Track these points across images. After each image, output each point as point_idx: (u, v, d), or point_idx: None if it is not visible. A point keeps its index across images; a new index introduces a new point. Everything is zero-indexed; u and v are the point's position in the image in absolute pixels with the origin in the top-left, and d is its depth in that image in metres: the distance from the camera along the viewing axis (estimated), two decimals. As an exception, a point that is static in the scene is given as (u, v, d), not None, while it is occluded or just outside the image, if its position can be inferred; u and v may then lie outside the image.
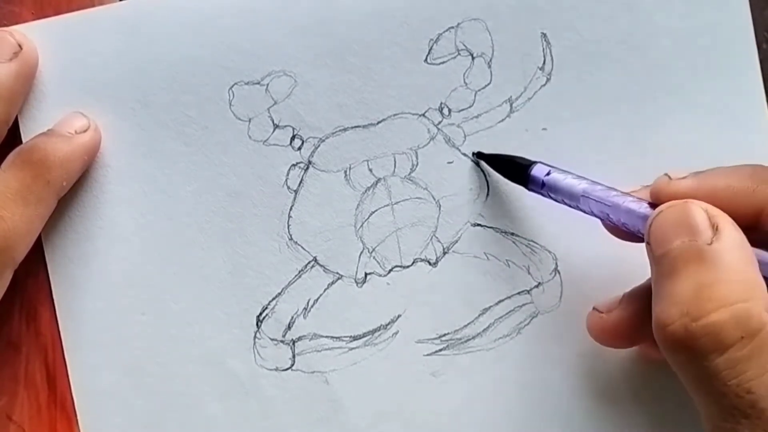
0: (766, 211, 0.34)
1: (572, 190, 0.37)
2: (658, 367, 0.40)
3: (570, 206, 0.37)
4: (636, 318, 0.36)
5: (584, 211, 0.37)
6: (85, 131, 0.40)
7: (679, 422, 0.41)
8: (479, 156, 0.41)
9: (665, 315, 0.31)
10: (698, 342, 0.30)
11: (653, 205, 0.34)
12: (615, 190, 0.36)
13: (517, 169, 0.39)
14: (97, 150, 0.41)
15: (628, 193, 0.36)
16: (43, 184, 0.38)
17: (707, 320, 0.30)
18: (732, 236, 0.32)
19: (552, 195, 0.38)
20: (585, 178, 0.37)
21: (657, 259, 0.32)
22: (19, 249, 0.38)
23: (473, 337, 0.41)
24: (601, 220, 0.37)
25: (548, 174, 0.38)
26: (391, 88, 0.41)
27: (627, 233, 0.36)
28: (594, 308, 0.38)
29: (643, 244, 0.34)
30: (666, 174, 0.36)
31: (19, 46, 0.39)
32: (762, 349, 0.30)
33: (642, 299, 0.37)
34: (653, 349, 0.37)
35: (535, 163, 0.39)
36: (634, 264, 0.38)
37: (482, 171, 0.41)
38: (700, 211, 0.32)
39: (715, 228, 0.32)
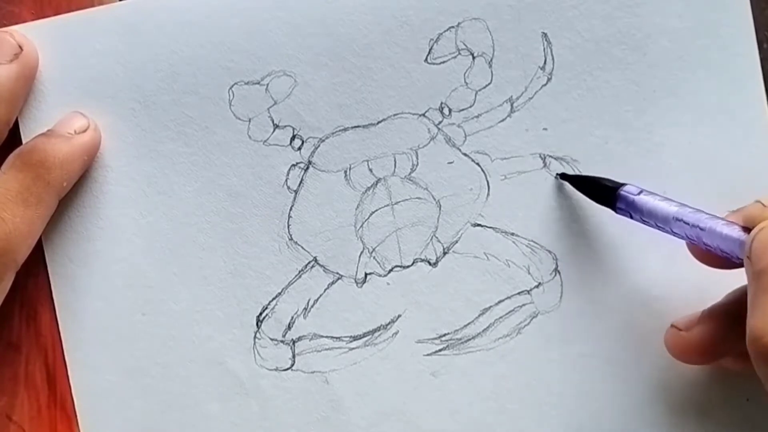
0: None
1: (664, 213, 0.37)
2: (658, 368, 0.40)
3: (659, 229, 0.37)
4: (717, 334, 0.37)
5: (674, 234, 0.37)
6: (84, 131, 0.40)
7: (679, 422, 0.41)
8: (563, 177, 0.41)
9: (761, 327, 0.31)
10: None
11: (746, 229, 0.35)
12: (704, 212, 0.36)
13: (604, 191, 0.39)
14: (97, 150, 0.41)
15: (719, 217, 0.36)
16: (44, 185, 0.38)
17: None
18: None
19: (640, 217, 0.37)
20: (672, 200, 0.37)
21: (756, 274, 0.33)
22: (21, 250, 0.38)
23: (473, 337, 0.41)
24: (690, 243, 0.37)
25: (639, 194, 0.38)
26: (391, 88, 0.41)
27: (715, 258, 0.36)
28: (672, 325, 0.39)
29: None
30: (758, 201, 0.36)
31: (20, 47, 0.39)
32: None
33: (723, 316, 0.37)
34: (732, 362, 0.38)
35: (623, 184, 0.38)
36: (634, 264, 0.38)
37: (482, 171, 0.41)
38: None
39: None
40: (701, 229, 0.36)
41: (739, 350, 0.36)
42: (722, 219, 0.36)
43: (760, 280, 0.33)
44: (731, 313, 0.37)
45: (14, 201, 0.37)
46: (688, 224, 0.36)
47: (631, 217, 0.38)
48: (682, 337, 0.38)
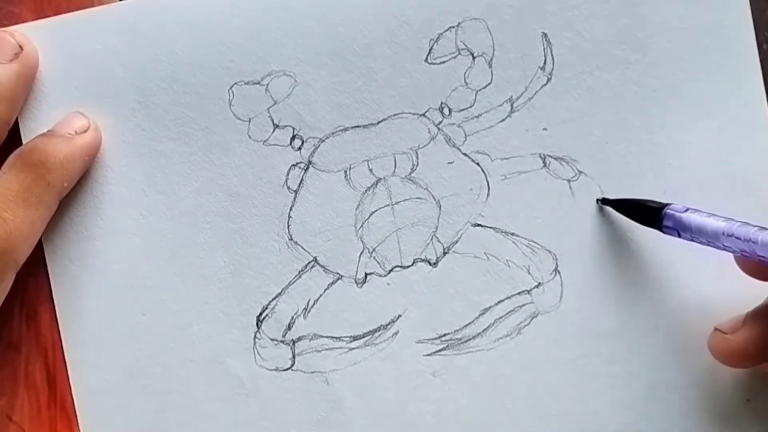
0: None
1: (714, 229, 0.36)
2: (658, 368, 0.40)
3: (708, 245, 0.37)
4: (763, 338, 0.37)
5: (724, 249, 0.36)
6: (85, 131, 0.40)
7: (679, 422, 0.41)
8: (605, 202, 0.41)
9: None
10: None
11: None
12: (750, 225, 0.36)
13: (649, 212, 0.39)
14: (98, 150, 0.41)
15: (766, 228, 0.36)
16: (44, 185, 0.38)
17: None
18: None
19: (689, 235, 0.37)
20: (718, 215, 0.37)
21: None
22: (21, 251, 0.38)
23: (473, 337, 0.41)
24: (741, 257, 0.37)
25: (685, 212, 0.37)
26: (391, 88, 0.41)
27: (762, 269, 0.36)
28: (716, 329, 0.38)
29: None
30: None
31: (20, 47, 0.39)
32: None
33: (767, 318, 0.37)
34: None
35: (668, 204, 0.38)
36: (635, 264, 0.38)
37: (482, 171, 0.41)
38: None
39: None
40: (753, 242, 0.35)
41: None
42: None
43: None
44: None
45: (15, 201, 0.37)
46: (740, 239, 0.36)
47: (679, 236, 0.38)
48: (727, 340, 0.38)
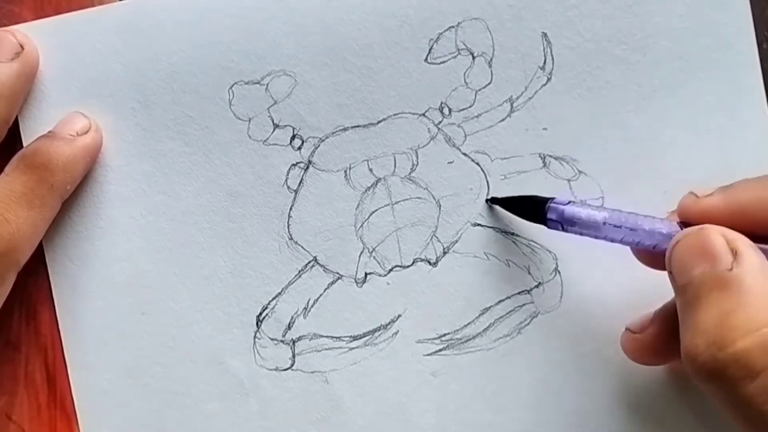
0: None
1: (594, 220, 0.36)
2: (658, 367, 0.40)
3: (596, 238, 0.36)
4: (670, 335, 0.36)
5: (611, 240, 0.36)
6: (86, 132, 0.40)
7: (678, 422, 0.41)
8: (493, 201, 0.41)
9: (692, 346, 0.30)
10: (728, 371, 0.29)
11: (683, 225, 0.34)
12: (638, 214, 0.36)
13: (533, 209, 0.38)
14: (99, 151, 0.41)
15: (654, 216, 0.36)
16: (48, 187, 0.38)
17: (734, 348, 0.29)
18: (752, 259, 0.31)
19: (575, 229, 0.37)
20: (605, 208, 0.36)
21: (680, 289, 0.32)
22: (24, 251, 0.38)
23: (473, 337, 0.41)
24: (631, 247, 0.37)
25: (564, 211, 0.37)
26: (391, 88, 0.41)
27: (657, 260, 0.35)
28: (627, 329, 0.38)
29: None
30: (692, 192, 0.35)
31: (21, 46, 0.39)
32: None
33: (673, 316, 0.36)
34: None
35: (550, 200, 0.38)
36: (634, 264, 0.38)
37: (482, 171, 0.41)
38: (718, 237, 0.32)
39: (734, 252, 0.31)
40: (632, 229, 0.35)
41: None
42: (654, 217, 0.35)
43: (683, 295, 0.32)
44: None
45: (18, 202, 0.38)
46: (619, 227, 0.35)
47: (565, 230, 0.37)
48: (636, 339, 0.38)
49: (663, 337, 0.37)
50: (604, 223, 0.36)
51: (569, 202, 0.37)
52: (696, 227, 0.33)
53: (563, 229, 0.37)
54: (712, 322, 0.30)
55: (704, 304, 0.31)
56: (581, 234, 0.37)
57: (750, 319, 0.30)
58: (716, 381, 0.30)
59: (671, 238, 0.34)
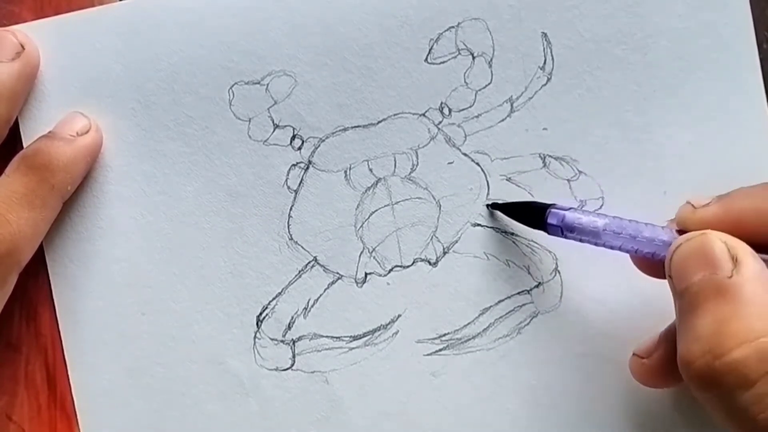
0: None
1: (593, 227, 0.36)
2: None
3: (595, 245, 0.36)
4: (676, 359, 0.35)
5: (611, 248, 0.36)
6: (86, 133, 0.40)
7: (678, 422, 0.41)
8: (494, 207, 0.41)
9: (688, 352, 0.30)
10: (723, 379, 0.29)
11: (683, 234, 0.34)
12: (638, 222, 0.36)
13: (533, 215, 0.38)
14: (99, 151, 0.41)
15: (652, 224, 0.35)
16: (48, 188, 0.38)
17: (730, 357, 0.29)
18: (752, 267, 0.31)
19: (574, 236, 0.37)
20: (606, 215, 0.36)
21: (678, 294, 0.32)
22: (25, 252, 0.38)
23: (473, 337, 0.41)
24: (630, 255, 0.37)
25: (564, 218, 0.37)
26: (391, 88, 0.41)
27: (656, 268, 0.35)
28: (634, 354, 0.38)
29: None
30: (689, 202, 0.35)
31: (22, 46, 0.39)
32: None
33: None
34: None
35: (550, 206, 0.38)
36: (634, 266, 0.38)
37: (482, 171, 0.41)
38: (719, 243, 0.32)
39: (734, 260, 0.31)
40: (632, 237, 0.35)
41: None
42: (654, 225, 0.35)
43: (682, 300, 0.32)
44: None
45: (19, 203, 0.38)
46: (619, 234, 0.35)
47: (565, 236, 0.37)
48: (644, 364, 0.37)
49: (670, 360, 0.36)
50: (604, 230, 0.36)
51: (570, 208, 0.37)
52: (697, 232, 0.33)
53: (563, 235, 0.37)
54: (708, 329, 0.30)
55: (702, 310, 0.31)
56: (581, 240, 0.37)
57: (747, 328, 0.30)
58: (711, 389, 0.30)
59: (668, 245, 0.34)
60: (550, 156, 0.41)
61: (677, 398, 0.40)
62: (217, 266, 0.41)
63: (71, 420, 0.41)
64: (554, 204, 0.38)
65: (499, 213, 0.41)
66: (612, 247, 0.36)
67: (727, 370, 0.29)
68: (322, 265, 0.41)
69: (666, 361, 0.36)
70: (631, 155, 0.41)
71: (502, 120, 0.41)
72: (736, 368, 0.29)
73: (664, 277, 0.34)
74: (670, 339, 0.37)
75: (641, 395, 0.41)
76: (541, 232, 0.38)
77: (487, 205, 0.41)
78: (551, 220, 0.37)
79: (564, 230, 0.37)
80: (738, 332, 0.29)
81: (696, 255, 0.32)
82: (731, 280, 0.31)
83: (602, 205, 0.41)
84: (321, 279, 0.41)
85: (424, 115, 0.41)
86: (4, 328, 0.41)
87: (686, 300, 0.31)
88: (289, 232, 0.41)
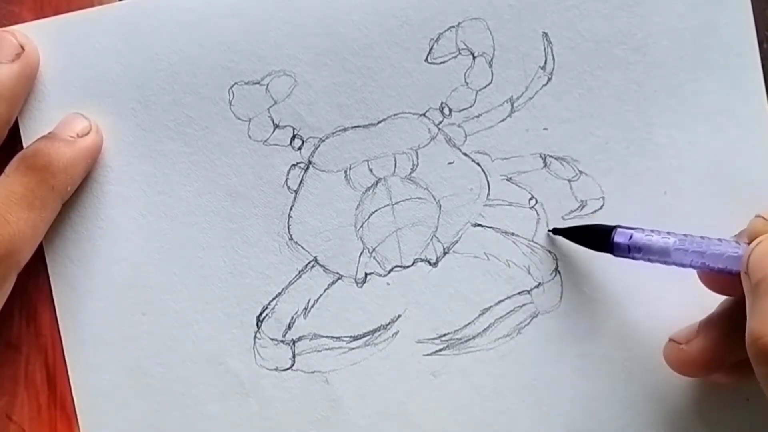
0: None
1: (663, 247, 0.36)
2: (658, 367, 0.40)
3: (664, 263, 0.37)
4: (717, 347, 0.37)
5: (680, 265, 0.36)
6: (86, 134, 0.40)
7: (678, 422, 0.41)
8: (555, 232, 0.41)
9: (760, 328, 0.31)
10: None
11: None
12: (708, 238, 0.36)
13: (599, 237, 0.39)
14: (99, 152, 0.41)
15: (720, 239, 0.36)
16: (48, 189, 0.38)
17: None
18: None
19: (642, 256, 0.37)
20: (674, 233, 0.37)
21: (754, 286, 0.33)
22: (24, 253, 0.38)
23: (473, 337, 0.41)
24: (698, 272, 0.37)
25: (631, 237, 0.37)
26: (391, 88, 0.41)
27: (725, 283, 0.36)
28: (671, 339, 0.38)
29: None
30: (759, 215, 0.36)
31: (22, 47, 0.39)
32: None
33: (720, 327, 0.37)
34: (724, 376, 0.38)
35: (616, 227, 0.38)
36: (635, 264, 0.38)
37: (483, 171, 0.41)
38: None
39: None
40: (702, 253, 0.35)
41: (735, 361, 0.36)
42: (725, 240, 0.36)
43: (758, 288, 0.32)
44: (728, 322, 0.36)
45: (19, 204, 0.38)
46: (688, 251, 0.36)
47: (633, 257, 0.37)
48: (682, 351, 0.38)
49: (710, 349, 0.37)
50: (675, 249, 0.36)
51: (636, 228, 0.37)
52: None
53: (630, 255, 0.37)
54: None
55: None
56: (649, 260, 0.37)
57: None
58: None
59: (740, 260, 0.34)
60: (550, 156, 0.41)
61: (678, 398, 0.40)
62: (217, 266, 0.41)
63: (71, 420, 0.41)
64: (619, 225, 0.38)
65: (560, 238, 0.41)
66: (683, 265, 0.36)
67: None
68: (322, 265, 0.41)
69: (705, 350, 0.37)
70: (632, 155, 0.41)
71: (503, 120, 0.41)
72: None
73: (732, 294, 0.36)
74: (711, 327, 0.37)
75: (641, 395, 0.41)
76: (541, 231, 0.38)
77: (548, 231, 0.41)
78: (618, 239, 0.37)
79: (632, 249, 0.37)
80: None
81: None
82: None
83: (603, 205, 0.41)
84: (321, 279, 0.41)
85: (424, 115, 0.41)
86: (4, 328, 0.41)
87: (762, 288, 0.32)
88: (289, 232, 0.41)
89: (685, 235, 0.36)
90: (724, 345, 0.36)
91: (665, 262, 0.37)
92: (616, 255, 0.38)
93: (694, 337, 0.37)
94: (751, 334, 0.32)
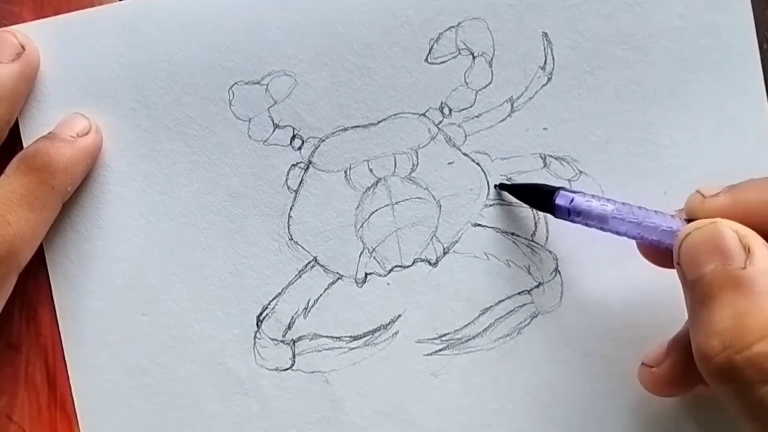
0: None
1: (602, 212, 0.36)
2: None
3: (601, 229, 0.37)
4: (687, 366, 0.35)
5: (616, 233, 0.36)
6: (86, 134, 0.40)
7: (679, 422, 0.41)
8: (502, 187, 0.41)
9: (707, 347, 0.30)
10: (743, 373, 0.29)
11: (690, 221, 0.34)
12: (646, 209, 0.36)
13: (541, 197, 0.39)
14: (99, 152, 0.41)
15: (661, 211, 0.36)
16: (48, 189, 0.38)
17: (750, 352, 0.29)
18: (765, 258, 0.31)
19: (581, 220, 0.37)
20: (613, 200, 0.37)
21: (690, 284, 0.32)
22: (24, 253, 0.38)
23: (473, 337, 0.41)
24: (636, 241, 0.37)
25: (572, 201, 0.37)
26: (391, 88, 0.41)
27: (662, 257, 0.36)
28: (643, 363, 0.38)
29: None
30: (698, 191, 0.35)
31: (22, 47, 0.39)
32: None
33: (687, 346, 0.35)
34: (704, 388, 0.37)
35: (559, 189, 0.38)
36: (635, 264, 0.38)
37: (483, 171, 0.41)
38: (730, 233, 0.32)
39: (747, 250, 0.31)
40: (639, 223, 0.35)
41: None
42: (663, 213, 0.35)
43: (694, 291, 0.32)
44: None
45: (19, 204, 0.38)
46: (625, 220, 0.35)
47: (572, 220, 0.37)
48: (654, 374, 0.37)
49: (680, 368, 0.36)
50: (613, 215, 0.36)
51: (578, 192, 0.38)
52: (707, 220, 0.33)
53: (569, 218, 0.37)
54: (726, 323, 0.30)
55: (717, 302, 0.31)
56: (587, 225, 0.37)
57: (766, 321, 0.30)
58: (731, 383, 0.30)
59: (676, 233, 0.34)
60: (550, 156, 0.41)
61: (678, 399, 0.40)
62: (217, 266, 0.41)
63: (71, 420, 0.41)
64: (563, 187, 0.38)
65: (506, 193, 0.41)
66: (618, 233, 0.36)
67: (748, 365, 0.29)
68: (322, 265, 0.41)
69: (676, 370, 0.36)
70: (632, 155, 0.41)
71: (503, 120, 0.41)
72: (756, 362, 0.29)
73: (671, 266, 0.34)
74: (679, 347, 0.36)
75: (642, 395, 0.41)
76: (541, 230, 0.38)
77: (496, 186, 0.41)
78: (559, 201, 0.38)
79: (571, 213, 0.37)
80: (757, 326, 0.30)
81: (707, 244, 0.32)
82: (745, 272, 0.31)
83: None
84: (321, 279, 0.41)
85: (424, 115, 0.41)
86: (4, 328, 0.41)
87: (699, 291, 0.31)
88: (289, 232, 0.41)
89: (624, 203, 0.36)
90: (693, 364, 0.34)
91: (602, 229, 0.36)
92: (556, 216, 0.38)
93: (663, 359, 0.37)
94: (698, 353, 0.31)
